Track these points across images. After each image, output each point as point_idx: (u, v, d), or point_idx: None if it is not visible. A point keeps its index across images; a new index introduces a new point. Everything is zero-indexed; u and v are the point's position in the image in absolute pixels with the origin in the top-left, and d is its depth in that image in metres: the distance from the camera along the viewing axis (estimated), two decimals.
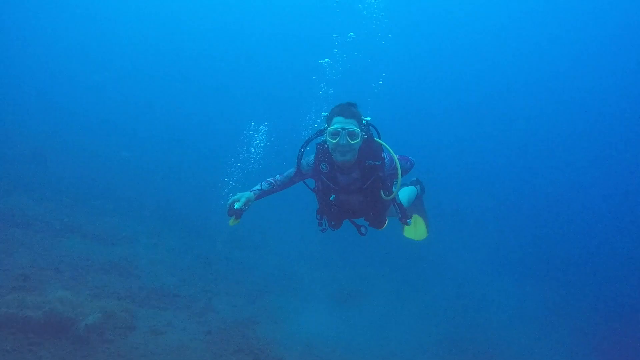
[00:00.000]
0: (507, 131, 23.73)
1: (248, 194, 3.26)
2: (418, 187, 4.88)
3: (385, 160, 3.39)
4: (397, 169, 3.39)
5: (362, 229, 3.67)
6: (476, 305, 9.41)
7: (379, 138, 3.57)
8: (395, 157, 3.41)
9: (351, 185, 3.40)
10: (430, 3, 23.20)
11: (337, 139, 3.11)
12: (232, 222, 3.20)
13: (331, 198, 3.45)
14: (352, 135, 3.12)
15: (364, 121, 3.42)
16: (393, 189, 3.53)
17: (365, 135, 3.31)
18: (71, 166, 11.41)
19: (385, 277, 9.61)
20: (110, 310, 5.72)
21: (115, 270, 7.19)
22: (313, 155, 3.47)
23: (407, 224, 3.71)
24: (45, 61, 21.57)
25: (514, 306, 9.64)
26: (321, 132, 3.39)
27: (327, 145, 3.28)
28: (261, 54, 26.65)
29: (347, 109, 3.21)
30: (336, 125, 3.14)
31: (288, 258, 9.79)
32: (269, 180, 3.49)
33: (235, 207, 3.13)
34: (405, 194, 4.47)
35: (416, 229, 4.78)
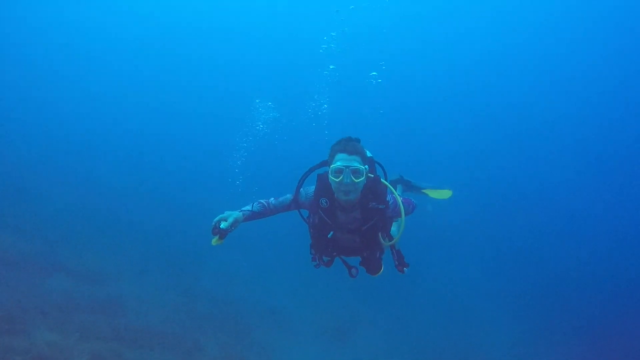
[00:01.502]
0: (502, 141, 23.43)
1: (236, 214, 3.08)
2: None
3: (390, 204, 3.20)
4: (400, 213, 3.19)
5: (353, 271, 3.46)
6: (471, 336, 9.48)
7: (385, 178, 3.39)
8: (400, 200, 3.21)
9: (350, 225, 3.22)
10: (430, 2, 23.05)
11: (341, 177, 2.92)
12: (214, 241, 2.98)
13: (329, 235, 3.25)
14: (356, 173, 2.94)
15: (368, 155, 3.26)
16: (392, 231, 3.36)
17: (371, 175, 3.15)
18: (53, 201, 11.25)
19: (376, 310, 9.66)
20: (98, 353, 5.65)
21: (101, 309, 7.08)
22: (313, 187, 3.26)
23: (403, 272, 3.43)
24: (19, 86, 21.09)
25: (510, 338, 9.73)
26: (325, 163, 3.19)
27: (330, 182, 3.08)
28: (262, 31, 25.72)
29: (350, 145, 3.02)
30: (339, 163, 2.96)
31: (276, 293, 9.77)
32: (262, 202, 3.29)
33: (221, 227, 2.91)
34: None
35: (437, 193, 4.81)
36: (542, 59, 23.33)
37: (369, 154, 3.42)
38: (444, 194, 4.84)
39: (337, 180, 2.96)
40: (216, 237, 2.96)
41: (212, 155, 20.84)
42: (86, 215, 10.98)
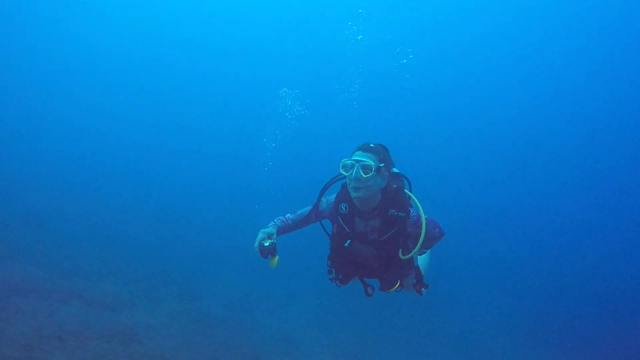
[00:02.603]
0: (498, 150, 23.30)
1: (269, 229, 3.07)
2: None
3: (411, 215, 3.10)
4: (421, 227, 3.03)
5: (369, 290, 3.34)
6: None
7: (410, 191, 3.28)
8: (423, 214, 3.07)
9: (368, 234, 3.13)
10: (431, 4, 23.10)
11: (350, 172, 2.92)
12: (272, 262, 2.97)
13: (346, 244, 3.17)
14: (365, 168, 2.89)
15: (393, 170, 3.19)
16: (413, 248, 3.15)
17: (394, 184, 3.10)
18: (68, 229, 11.41)
19: (390, 336, 9.56)
20: None
21: (116, 337, 7.11)
22: (335, 194, 3.26)
23: (421, 294, 3.34)
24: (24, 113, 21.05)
25: None
26: None
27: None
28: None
29: (369, 145, 3.02)
30: (349, 158, 2.98)
31: (287, 320, 9.73)
32: (280, 219, 3.28)
33: (266, 245, 2.91)
34: (425, 259, 4.09)
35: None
36: (541, 62, 23.40)
37: (396, 170, 3.34)
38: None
39: (347, 174, 2.96)
40: (269, 258, 2.95)
41: (229, 175, 20.91)
42: (99, 242, 11.12)
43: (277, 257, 2.96)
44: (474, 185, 21.31)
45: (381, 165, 2.98)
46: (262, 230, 3.04)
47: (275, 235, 3.03)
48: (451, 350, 9.38)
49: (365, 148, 2.99)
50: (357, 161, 2.92)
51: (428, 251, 4.02)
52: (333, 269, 3.40)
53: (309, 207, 3.28)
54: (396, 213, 3.02)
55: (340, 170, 3.00)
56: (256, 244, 2.95)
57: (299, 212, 3.31)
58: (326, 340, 9.01)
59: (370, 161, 2.91)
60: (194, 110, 24.82)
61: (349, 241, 3.15)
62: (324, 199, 3.27)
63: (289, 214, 3.32)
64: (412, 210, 3.13)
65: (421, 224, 3.05)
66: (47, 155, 17.37)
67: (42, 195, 13.10)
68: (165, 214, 15.24)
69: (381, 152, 3.04)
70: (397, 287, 3.27)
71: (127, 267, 10.21)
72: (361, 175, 2.89)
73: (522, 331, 10.64)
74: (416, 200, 3.15)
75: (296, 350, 8.58)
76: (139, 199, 15.92)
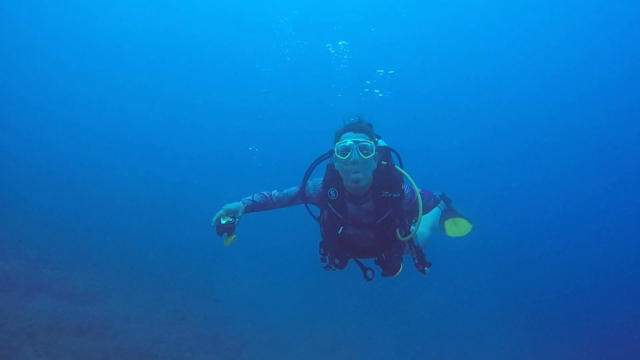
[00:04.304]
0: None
1: (236, 204, 2.83)
2: (442, 203, 4.36)
3: (405, 194, 2.92)
4: (418, 204, 2.86)
5: (369, 273, 3.09)
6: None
7: (401, 167, 3.10)
8: (418, 191, 2.91)
9: (362, 219, 2.94)
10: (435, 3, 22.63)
11: (348, 155, 2.69)
12: (226, 241, 2.71)
13: (339, 231, 2.95)
14: (364, 149, 2.71)
15: (379, 142, 3.03)
16: (412, 228, 3.03)
17: (384, 162, 2.93)
18: (35, 218, 10.91)
19: (373, 326, 9.56)
20: None
21: (89, 330, 6.85)
22: (322, 178, 3.01)
23: (425, 273, 3.08)
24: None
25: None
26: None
27: (337, 168, 2.85)
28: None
29: (357, 124, 2.84)
30: (346, 140, 2.75)
31: (266, 310, 9.62)
32: (263, 194, 3.03)
33: (222, 223, 2.67)
34: (425, 224, 3.85)
35: (458, 227, 4.35)
36: (539, 61, 23.19)
37: (382, 142, 3.18)
38: (464, 229, 4.38)
39: (345, 158, 2.71)
40: (225, 236, 2.70)
41: (199, 164, 20.59)
42: (69, 231, 10.69)
43: (233, 236, 2.70)
44: (465, 177, 21.46)
45: (377, 142, 2.85)
46: (226, 205, 2.79)
47: (239, 213, 2.78)
48: (430, 339, 9.47)
49: (357, 127, 2.80)
50: (355, 142, 2.71)
51: (426, 224, 3.90)
52: (327, 256, 3.16)
53: (296, 189, 3.04)
54: (390, 194, 2.84)
55: (336, 155, 2.77)
56: (213, 219, 2.70)
57: (286, 190, 3.06)
58: (305, 330, 8.97)
59: (368, 142, 2.74)
60: (165, 102, 24.03)
61: (341, 228, 2.93)
62: (310, 182, 3.04)
63: (275, 191, 3.06)
64: (405, 187, 2.95)
65: (417, 199, 2.88)
66: (12, 143, 16.57)
67: (7, 182, 12.49)
68: (138, 203, 14.81)
69: (370, 130, 2.86)
70: (400, 271, 3.11)
71: (99, 258, 9.86)
72: (362, 157, 2.70)
73: (505, 320, 10.77)
74: (408, 176, 2.97)
75: (275, 341, 8.49)
76: (111, 187, 15.40)
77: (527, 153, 22.96)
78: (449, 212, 4.45)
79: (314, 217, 3.17)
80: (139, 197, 15.23)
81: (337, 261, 3.14)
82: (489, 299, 11.70)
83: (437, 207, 4.12)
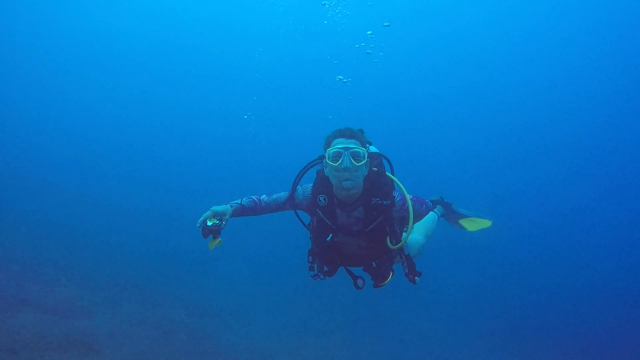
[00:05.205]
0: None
1: (224, 207, 2.80)
2: (438, 208, 4.32)
3: (396, 201, 2.90)
4: (409, 212, 2.82)
5: (359, 282, 3.05)
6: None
7: (392, 173, 3.05)
8: (409, 197, 2.87)
9: (352, 226, 2.92)
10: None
11: (339, 161, 2.67)
12: (211, 244, 2.67)
13: (328, 238, 2.92)
14: (356, 156, 2.69)
15: (370, 149, 3.02)
16: (402, 236, 2.99)
17: (375, 168, 2.92)
18: (17, 230, 10.73)
19: (361, 339, 9.54)
20: None
21: (74, 346, 6.75)
22: (311, 184, 3.00)
23: (415, 283, 3.02)
24: None
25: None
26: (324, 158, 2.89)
27: (328, 175, 2.83)
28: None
29: (348, 130, 2.82)
30: (337, 146, 2.73)
31: (252, 324, 9.59)
32: (252, 198, 3.00)
33: (208, 225, 2.64)
34: (420, 230, 3.84)
35: (476, 223, 4.30)
36: (537, 62, 23.28)
37: (373, 148, 3.17)
38: (483, 224, 4.34)
39: (336, 165, 2.69)
40: (210, 239, 2.65)
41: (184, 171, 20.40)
42: (53, 244, 10.53)
43: (218, 239, 2.66)
44: (460, 179, 21.52)
45: (368, 149, 2.84)
46: (213, 207, 2.75)
47: (227, 216, 2.74)
48: (418, 350, 9.52)
49: (348, 134, 2.78)
50: (345, 148, 2.70)
51: (420, 231, 3.90)
52: (315, 265, 3.12)
53: (285, 194, 3.01)
54: (380, 201, 2.81)
55: (327, 161, 2.74)
56: (199, 220, 2.66)
57: (275, 196, 3.02)
58: (292, 345, 8.95)
59: (360, 148, 2.73)
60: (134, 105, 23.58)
61: (330, 235, 2.91)
62: (299, 188, 3.01)
63: (264, 196, 3.03)
64: (396, 194, 2.92)
65: (407, 207, 2.84)
66: None
67: None
68: (123, 216, 14.66)
69: (361, 137, 2.85)
70: (390, 278, 3.08)
71: (83, 271, 9.75)
72: (353, 163, 2.68)
73: (498, 332, 10.82)
74: (399, 183, 2.93)
75: (259, 356, 8.46)
76: (95, 200, 15.22)
77: (521, 159, 23.07)
78: (455, 215, 4.41)
79: (303, 224, 3.13)
80: (123, 209, 15.09)
81: (326, 269, 3.11)
82: (479, 309, 11.80)
83: (432, 214, 4.12)
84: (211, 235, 2.64)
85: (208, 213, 2.69)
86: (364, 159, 2.71)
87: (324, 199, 2.86)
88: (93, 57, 23.60)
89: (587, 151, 22.56)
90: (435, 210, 4.26)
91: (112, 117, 22.75)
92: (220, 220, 2.69)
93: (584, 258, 16.62)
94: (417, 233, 3.87)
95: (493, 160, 23.51)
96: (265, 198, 3.02)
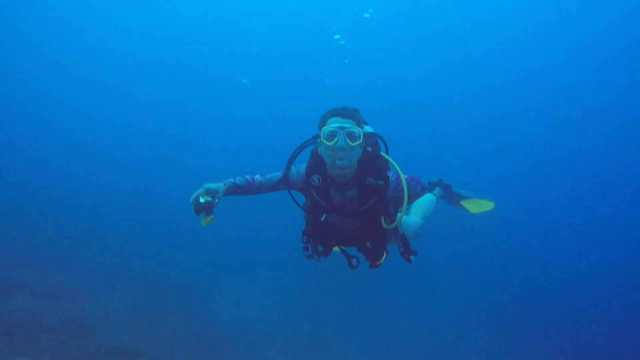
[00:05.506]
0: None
1: (217, 184, 2.81)
2: (437, 190, 4.29)
3: (390, 180, 2.88)
4: (403, 191, 2.79)
5: (354, 262, 3.05)
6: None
7: (387, 153, 3.04)
8: (403, 177, 2.85)
9: (346, 206, 2.90)
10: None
11: (334, 140, 2.65)
12: (203, 221, 2.66)
13: (322, 219, 2.93)
14: (351, 136, 2.67)
15: (365, 129, 2.99)
16: (397, 216, 2.95)
17: (369, 148, 2.90)
18: (10, 213, 10.69)
19: (353, 325, 9.66)
20: None
21: (69, 329, 6.81)
22: (305, 164, 2.99)
23: (410, 262, 3.04)
24: None
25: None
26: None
27: (322, 154, 2.82)
28: None
29: (344, 110, 2.78)
30: (332, 125, 2.70)
31: (246, 308, 9.68)
32: (246, 177, 2.98)
33: (201, 202, 2.62)
34: (417, 212, 3.83)
35: (479, 205, 4.30)
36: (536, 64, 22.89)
37: (369, 128, 3.15)
38: (486, 206, 4.31)
39: (331, 143, 2.66)
40: (202, 215, 2.64)
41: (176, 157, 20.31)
42: (47, 228, 10.51)
43: (211, 216, 2.65)
44: (462, 166, 21.43)
45: (364, 129, 2.82)
46: (206, 184, 2.75)
47: (219, 194, 2.75)
48: (411, 337, 9.66)
49: (344, 113, 2.75)
50: (341, 128, 2.67)
51: (417, 212, 3.89)
52: (309, 245, 3.11)
53: (279, 174, 3.00)
54: (374, 181, 2.80)
55: (322, 140, 2.72)
56: (192, 197, 2.66)
57: (269, 176, 3.02)
58: (285, 329, 9.05)
59: (356, 128, 2.70)
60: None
61: (324, 215, 2.91)
62: (293, 168, 2.99)
63: (258, 175, 3.02)
64: (390, 174, 2.91)
65: (402, 187, 2.81)
66: None
67: None
68: (117, 197, 14.62)
69: (357, 116, 2.82)
70: (385, 257, 3.09)
71: (77, 254, 9.76)
72: (348, 143, 2.65)
73: (487, 320, 10.91)
74: (394, 163, 2.89)
75: (253, 340, 8.55)
76: (90, 185, 15.15)
77: (519, 161, 23.06)
78: (456, 197, 4.40)
79: (298, 204, 3.11)
80: (118, 193, 15.04)
81: (320, 249, 3.11)
82: (471, 299, 11.90)
83: (431, 195, 4.12)
84: (203, 212, 2.64)
85: (200, 190, 2.70)
86: (359, 139, 2.70)
87: (318, 179, 2.85)
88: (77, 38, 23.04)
89: (591, 146, 22.48)
90: (434, 192, 4.25)
91: (105, 97, 22.40)
92: (213, 197, 2.69)
93: (584, 258, 16.74)
94: (414, 214, 3.87)
95: (496, 149, 23.35)
96: (259, 178, 3.01)
